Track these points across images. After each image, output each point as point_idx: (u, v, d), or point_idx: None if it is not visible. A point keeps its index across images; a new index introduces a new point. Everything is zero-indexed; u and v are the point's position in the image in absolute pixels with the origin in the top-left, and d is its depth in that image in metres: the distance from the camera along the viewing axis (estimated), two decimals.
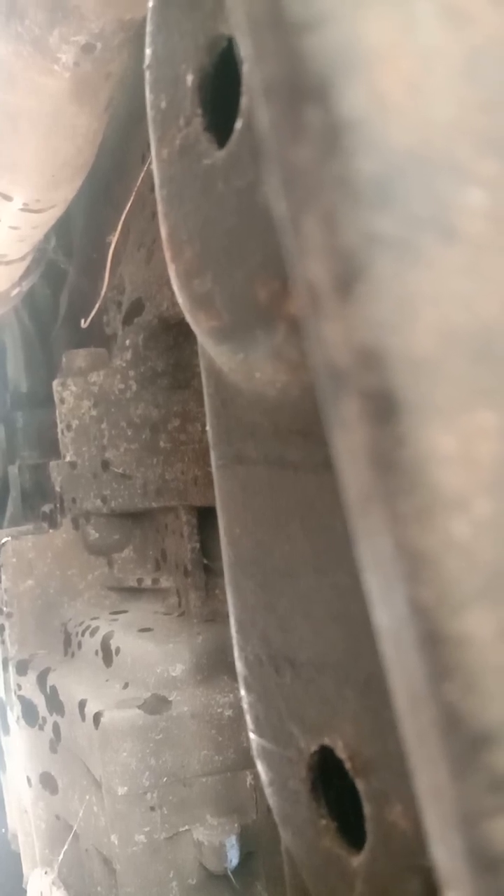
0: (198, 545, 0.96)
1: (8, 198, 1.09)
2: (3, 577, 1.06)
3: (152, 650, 0.89)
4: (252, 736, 0.45)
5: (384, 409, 0.17)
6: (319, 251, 0.17)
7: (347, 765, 0.36)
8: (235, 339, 0.38)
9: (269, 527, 0.42)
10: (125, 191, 1.13)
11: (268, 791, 0.44)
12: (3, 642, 1.14)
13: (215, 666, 0.87)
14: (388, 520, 0.18)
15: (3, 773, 1.63)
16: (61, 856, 0.90)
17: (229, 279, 0.37)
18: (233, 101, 0.34)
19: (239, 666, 0.45)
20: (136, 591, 1.09)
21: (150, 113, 0.41)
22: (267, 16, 0.18)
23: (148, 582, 1.05)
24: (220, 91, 0.37)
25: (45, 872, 0.81)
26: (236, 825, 0.83)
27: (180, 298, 0.41)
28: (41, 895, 0.84)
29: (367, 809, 0.36)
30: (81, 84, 0.90)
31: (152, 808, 0.82)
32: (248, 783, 0.84)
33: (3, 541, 1.07)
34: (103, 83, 0.92)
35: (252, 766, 0.85)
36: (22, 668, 1.05)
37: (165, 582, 1.02)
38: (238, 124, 0.33)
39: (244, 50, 0.18)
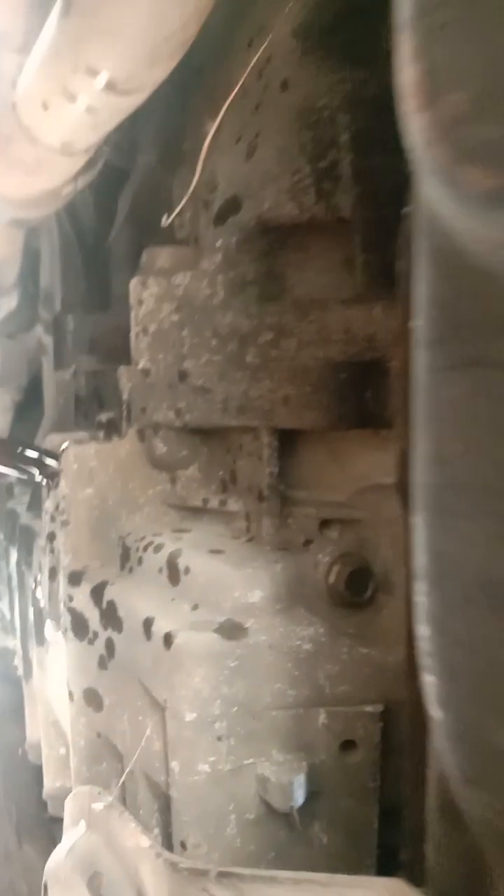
0: (276, 470, 0.90)
1: (94, 72, 0.99)
2: (63, 483, 1.00)
3: (229, 573, 0.83)
4: (435, 681, 0.39)
5: None
6: None
7: None
8: None
9: None
10: (223, 78, 1.03)
11: (454, 745, 0.38)
12: (53, 551, 1.09)
13: (294, 597, 0.82)
14: None
15: (26, 683, 1.61)
16: (121, 781, 0.87)
17: None
18: None
19: (428, 603, 0.39)
20: (197, 511, 1.03)
21: None
22: None
23: (215, 503, 0.99)
24: None
25: (99, 793, 0.76)
26: (304, 763, 0.79)
27: (437, 151, 0.33)
28: (88, 813, 0.80)
29: None
30: None
31: (219, 738, 0.78)
32: (320, 722, 0.79)
33: (65, 445, 1.01)
34: None
35: (325, 703, 0.80)
36: (75, 579, 1.00)
37: (234, 505, 0.96)
38: None
39: None
